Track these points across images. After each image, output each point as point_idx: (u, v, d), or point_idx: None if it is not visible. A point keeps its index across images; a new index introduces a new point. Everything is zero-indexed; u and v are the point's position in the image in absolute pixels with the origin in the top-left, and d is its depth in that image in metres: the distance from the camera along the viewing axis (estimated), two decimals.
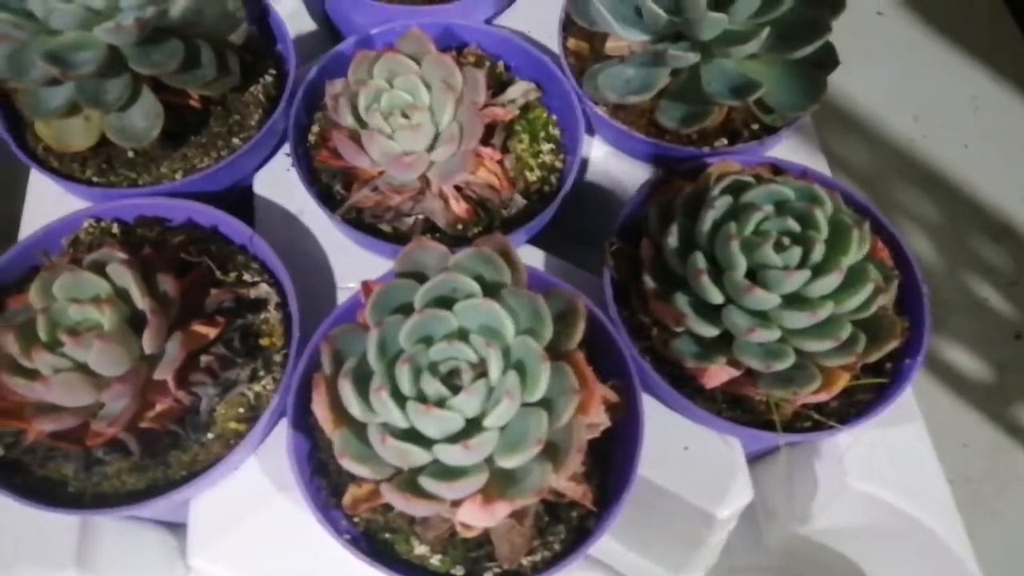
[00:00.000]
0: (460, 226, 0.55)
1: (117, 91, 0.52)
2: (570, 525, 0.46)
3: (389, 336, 0.43)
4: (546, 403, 0.41)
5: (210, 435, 0.48)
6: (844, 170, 1.08)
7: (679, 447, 0.52)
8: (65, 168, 0.56)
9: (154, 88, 0.54)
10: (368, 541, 0.45)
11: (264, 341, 0.51)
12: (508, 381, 0.41)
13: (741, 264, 0.47)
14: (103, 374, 0.45)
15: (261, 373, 0.50)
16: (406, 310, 0.44)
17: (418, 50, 0.55)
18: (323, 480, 0.47)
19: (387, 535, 0.45)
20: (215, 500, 0.50)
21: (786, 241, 0.48)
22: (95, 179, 0.56)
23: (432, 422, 0.41)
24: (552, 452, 0.41)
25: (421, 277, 0.46)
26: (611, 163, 0.61)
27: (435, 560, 0.44)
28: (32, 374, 0.45)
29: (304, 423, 0.48)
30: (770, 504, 0.60)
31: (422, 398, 0.41)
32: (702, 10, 0.53)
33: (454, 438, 0.41)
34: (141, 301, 0.46)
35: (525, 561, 0.44)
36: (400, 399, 0.41)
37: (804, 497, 0.57)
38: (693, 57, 0.54)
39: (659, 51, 0.55)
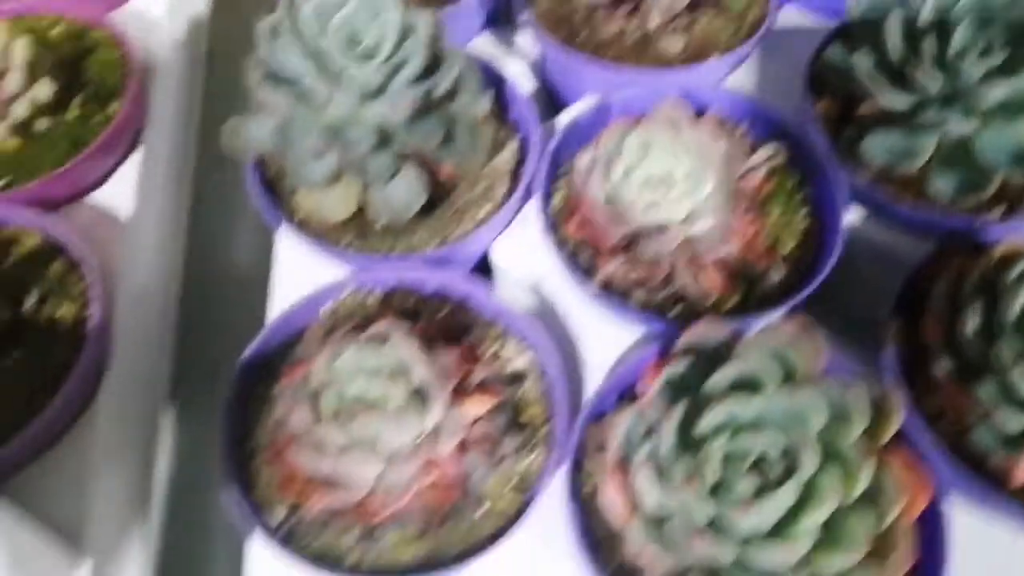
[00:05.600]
0: (714, 299, 0.54)
1: (383, 165, 0.54)
2: None
3: (686, 422, 0.42)
4: (868, 501, 0.39)
5: (483, 509, 0.48)
6: None
7: None
8: (322, 235, 0.58)
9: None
10: None
11: (526, 415, 0.51)
12: (827, 475, 0.39)
13: None
14: (390, 448, 0.46)
15: (528, 447, 0.50)
16: (698, 394, 0.43)
17: (673, 118, 0.55)
18: (597, 559, 0.46)
19: None
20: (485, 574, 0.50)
21: None
22: (352, 247, 0.57)
23: (743, 519, 0.39)
24: (876, 556, 0.38)
25: (706, 358, 0.45)
26: (870, 231, 0.58)
27: None
28: (320, 447, 0.46)
29: (577, 500, 0.47)
30: None
31: (730, 491, 0.40)
32: (977, 78, 0.50)
33: (767, 536, 0.39)
34: (424, 374, 0.47)
35: None
36: (706, 492, 0.40)
37: None
38: (972, 125, 0.52)
39: (934, 119, 0.52)
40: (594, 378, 0.55)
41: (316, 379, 0.47)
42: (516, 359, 0.53)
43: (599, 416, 0.49)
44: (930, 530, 0.43)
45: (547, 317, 0.58)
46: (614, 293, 0.55)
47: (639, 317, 0.53)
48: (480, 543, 0.47)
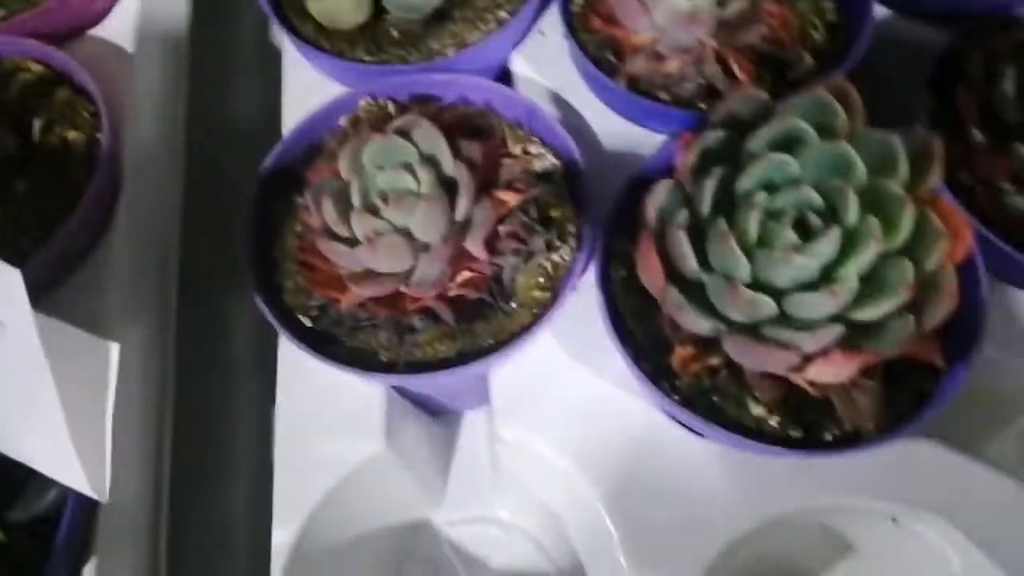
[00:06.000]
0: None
1: None
2: (910, 388, 0.43)
3: (723, 186, 0.41)
4: (909, 249, 0.38)
5: (513, 304, 0.48)
6: None
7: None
8: (335, 48, 0.56)
9: None
10: (693, 406, 0.44)
11: (554, 212, 0.50)
12: (867, 224, 0.38)
13: None
14: (421, 239, 0.45)
15: (556, 243, 0.49)
16: (734, 160, 0.42)
17: None
18: (628, 347, 0.46)
19: (715, 399, 0.44)
20: (514, 371, 0.50)
21: None
22: (367, 58, 0.56)
23: (785, 270, 0.39)
24: (917, 303, 0.38)
25: (742, 127, 0.43)
26: (896, 28, 0.56)
27: (772, 422, 0.43)
28: (350, 239, 0.46)
29: (607, 290, 0.47)
30: None
31: (772, 245, 0.39)
32: None
33: (810, 286, 0.39)
34: (451, 165, 0.46)
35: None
36: (747, 248, 0.39)
37: None
38: None
39: None
40: (619, 181, 0.54)
41: (342, 173, 0.46)
42: (542, 159, 0.52)
43: (628, 207, 0.48)
44: (968, 284, 0.42)
45: (571, 124, 0.56)
46: (640, 92, 0.53)
47: (667, 113, 0.52)
48: (511, 337, 0.47)
